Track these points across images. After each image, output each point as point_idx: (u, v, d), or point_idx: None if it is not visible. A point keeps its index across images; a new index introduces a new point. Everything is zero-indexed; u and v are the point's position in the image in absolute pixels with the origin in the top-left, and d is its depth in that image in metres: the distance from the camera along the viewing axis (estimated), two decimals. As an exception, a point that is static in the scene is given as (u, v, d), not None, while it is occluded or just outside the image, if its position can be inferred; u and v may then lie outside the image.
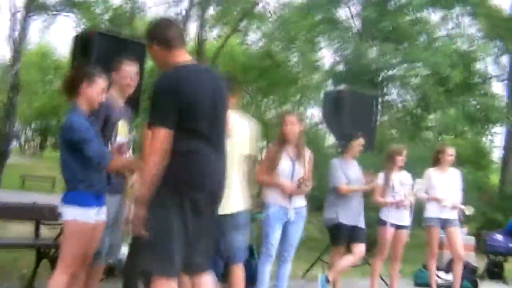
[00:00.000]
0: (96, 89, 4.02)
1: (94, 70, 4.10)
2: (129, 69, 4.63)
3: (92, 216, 3.92)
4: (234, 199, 4.83)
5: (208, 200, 3.51)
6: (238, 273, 5.02)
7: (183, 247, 3.42)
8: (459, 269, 7.36)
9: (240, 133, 4.92)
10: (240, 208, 4.95)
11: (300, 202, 5.89)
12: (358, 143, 6.78)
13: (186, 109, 3.37)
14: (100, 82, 4.05)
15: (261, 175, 5.76)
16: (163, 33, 3.56)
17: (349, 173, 6.62)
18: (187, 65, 3.56)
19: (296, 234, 5.84)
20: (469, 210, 7.36)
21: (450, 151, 7.47)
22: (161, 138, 3.30)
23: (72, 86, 4.01)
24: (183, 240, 3.41)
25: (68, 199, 3.89)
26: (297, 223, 5.81)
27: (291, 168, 5.76)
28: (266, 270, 5.78)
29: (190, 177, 3.42)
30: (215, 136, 3.54)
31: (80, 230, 3.86)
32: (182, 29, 3.76)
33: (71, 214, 3.85)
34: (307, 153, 5.98)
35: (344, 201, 6.56)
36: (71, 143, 3.84)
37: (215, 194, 3.57)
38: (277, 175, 5.71)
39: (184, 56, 3.57)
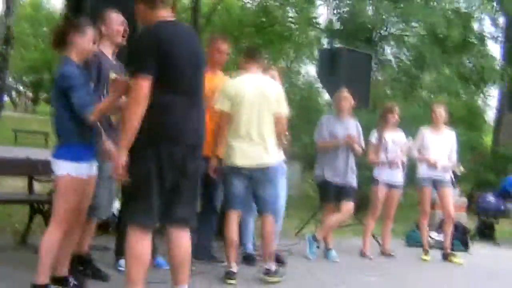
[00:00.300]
0: (86, 39, 3.97)
1: (81, 20, 4.06)
2: (115, 17, 4.56)
3: (85, 170, 3.89)
4: (267, 153, 5.12)
5: (187, 153, 3.61)
6: (268, 223, 5.22)
7: (161, 199, 3.57)
8: (449, 229, 7.41)
9: (271, 93, 5.20)
10: (272, 162, 5.18)
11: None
12: (340, 96, 6.75)
13: (164, 63, 3.48)
14: (89, 31, 4.00)
15: None
16: None
17: (336, 130, 6.60)
18: (168, 21, 3.68)
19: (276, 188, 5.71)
20: (459, 171, 7.37)
21: (436, 108, 7.40)
22: (142, 86, 3.43)
23: (62, 38, 3.95)
24: (160, 191, 3.55)
25: (60, 154, 3.85)
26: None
27: None
28: (248, 225, 6.02)
29: (166, 130, 3.54)
30: (192, 90, 3.67)
31: (73, 185, 3.83)
32: None
33: (64, 168, 3.81)
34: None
35: (329, 158, 6.56)
36: (61, 92, 3.80)
37: (193, 146, 3.68)
38: None
39: (166, 15, 3.69)
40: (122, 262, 4.68)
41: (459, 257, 7.34)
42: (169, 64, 3.52)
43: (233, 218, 5.22)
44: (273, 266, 5.23)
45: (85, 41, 3.97)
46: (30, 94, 63.91)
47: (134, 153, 3.51)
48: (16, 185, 9.00)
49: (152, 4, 3.67)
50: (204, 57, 3.97)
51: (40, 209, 5.63)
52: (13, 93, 60.26)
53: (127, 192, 3.75)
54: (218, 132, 5.21)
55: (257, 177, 5.14)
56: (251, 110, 5.09)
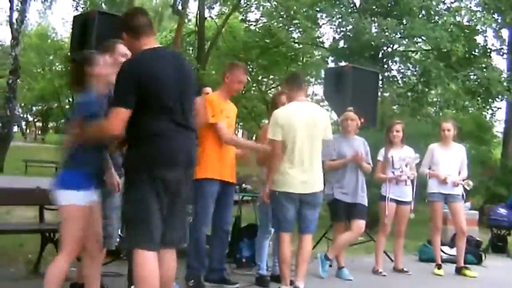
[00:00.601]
0: (100, 66, 4.03)
1: (88, 53, 4.15)
2: (122, 48, 4.59)
3: (88, 198, 3.89)
4: (318, 179, 5.39)
5: (180, 178, 3.72)
6: (309, 242, 5.53)
7: (160, 223, 3.67)
8: (462, 243, 7.38)
9: (320, 120, 5.40)
10: (319, 189, 5.41)
11: None
12: (346, 116, 6.79)
13: (147, 92, 3.59)
14: (99, 58, 4.07)
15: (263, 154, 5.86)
16: (130, 22, 3.79)
17: (343, 149, 6.61)
18: (152, 49, 3.76)
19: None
20: (468, 185, 7.35)
21: (445, 126, 7.44)
22: (117, 117, 3.56)
23: (79, 77, 3.98)
24: (159, 216, 3.66)
25: (62, 183, 3.85)
26: None
27: None
28: (265, 245, 6.12)
29: (160, 158, 3.64)
30: (181, 116, 3.73)
31: (78, 214, 3.82)
32: (150, 18, 3.90)
33: (67, 198, 3.81)
34: None
35: (338, 177, 6.58)
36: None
37: (186, 170, 3.78)
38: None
39: (151, 43, 3.78)
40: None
41: (473, 271, 7.30)
42: (153, 93, 3.61)
43: (287, 239, 5.40)
44: (302, 285, 5.35)
45: (100, 69, 4.03)
46: (39, 124, 64.35)
47: (131, 180, 3.67)
48: (27, 215, 9.03)
49: (135, 34, 3.76)
50: (193, 80, 4.03)
51: (51, 238, 5.64)
52: (23, 123, 60.68)
53: (127, 218, 3.83)
54: (271, 160, 5.41)
55: (308, 201, 5.34)
56: (304, 139, 5.27)
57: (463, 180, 7.32)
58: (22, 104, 57.18)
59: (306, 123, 5.30)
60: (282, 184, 5.31)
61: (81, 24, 5.68)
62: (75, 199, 3.80)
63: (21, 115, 60.92)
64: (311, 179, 5.32)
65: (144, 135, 3.64)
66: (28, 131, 61.79)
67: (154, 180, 3.61)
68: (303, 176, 5.28)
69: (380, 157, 7.16)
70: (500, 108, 21.95)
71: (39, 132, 60.57)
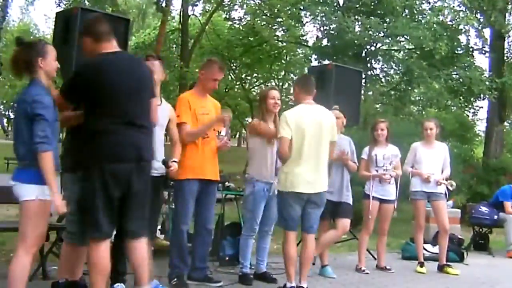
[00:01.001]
0: (50, 60, 4.00)
1: (39, 44, 4.08)
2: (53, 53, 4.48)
3: (47, 192, 3.84)
4: (325, 179, 5.52)
5: (132, 171, 3.97)
6: (313, 242, 5.67)
7: (110, 214, 3.94)
8: (445, 241, 7.44)
9: (327, 122, 5.54)
10: (324, 189, 5.53)
11: None
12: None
13: (95, 93, 3.93)
14: (51, 52, 4.03)
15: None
16: (93, 28, 4.11)
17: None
18: (106, 53, 4.05)
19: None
20: (451, 186, 7.39)
21: (427, 125, 7.48)
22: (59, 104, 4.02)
23: (27, 66, 3.95)
24: (108, 208, 3.92)
25: (27, 177, 3.81)
26: None
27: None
28: (249, 244, 6.10)
29: (106, 152, 3.92)
30: (130, 115, 4.01)
31: (42, 209, 3.81)
32: (109, 26, 4.16)
33: (32, 193, 3.77)
34: None
35: None
36: (31, 116, 3.77)
37: (137, 164, 4.01)
38: None
39: (109, 48, 4.08)
40: (116, 286, 4.78)
41: (455, 268, 7.35)
42: (101, 94, 3.93)
43: (292, 238, 5.52)
44: (305, 284, 5.49)
45: (50, 63, 4.00)
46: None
47: (82, 175, 4.00)
48: (8, 213, 8.96)
49: (98, 38, 4.07)
50: (150, 82, 4.26)
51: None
52: (4, 121, 60.10)
53: (79, 208, 4.16)
54: (281, 156, 5.58)
55: (314, 201, 5.46)
56: (311, 140, 5.38)
57: (446, 180, 7.36)
58: (4, 101, 56.71)
59: (313, 125, 5.43)
60: (290, 183, 5.39)
61: (63, 21, 5.62)
62: (42, 194, 3.77)
63: (3, 112, 60.41)
64: (318, 179, 5.44)
65: (93, 132, 3.94)
66: (9, 128, 61.15)
67: (103, 174, 3.86)
68: (310, 176, 5.39)
69: (364, 155, 7.20)
70: (482, 107, 22.15)
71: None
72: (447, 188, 7.41)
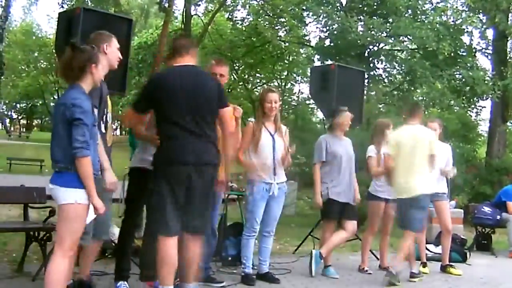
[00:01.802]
0: (101, 68, 3.97)
1: (98, 52, 3.98)
2: (116, 42, 4.54)
3: (86, 197, 3.84)
4: (415, 185, 6.34)
5: (192, 172, 4.35)
6: (411, 241, 6.54)
7: (177, 212, 4.35)
8: (447, 241, 7.43)
9: (424, 139, 6.46)
10: (421, 192, 6.34)
11: (282, 177, 6.11)
12: (346, 117, 6.78)
13: (162, 102, 4.38)
14: (103, 60, 4.02)
15: (242, 154, 5.99)
16: (172, 44, 4.78)
17: (337, 149, 6.63)
18: (175, 66, 4.55)
19: (278, 208, 6.11)
20: (452, 172, 7.38)
21: (430, 125, 7.43)
22: (127, 114, 4.57)
23: (80, 71, 3.85)
24: (174, 207, 4.33)
25: (66, 181, 3.74)
26: (280, 197, 6.07)
27: (272, 141, 6.00)
28: (250, 244, 6.05)
29: (171, 156, 4.36)
30: (193, 123, 4.40)
31: (80, 213, 3.76)
32: (189, 41, 4.89)
33: (72, 197, 3.72)
34: (283, 128, 6.24)
35: (333, 177, 6.58)
36: (70, 120, 3.70)
37: (198, 167, 4.39)
38: (259, 149, 5.99)
39: (180, 62, 4.56)
40: (119, 284, 4.81)
41: (458, 269, 7.34)
42: (164, 103, 4.37)
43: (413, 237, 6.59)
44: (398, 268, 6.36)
45: (100, 71, 3.96)
46: (23, 121, 63.88)
47: (152, 179, 4.44)
48: (11, 213, 8.98)
49: (172, 53, 4.64)
50: (215, 93, 4.59)
51: (36, 236, 5.59)
52: (7, 121, 60.26)
53: (148, 209, 4.69)
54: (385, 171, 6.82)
55: (411, 204, 6.34)
56: (406, 155, 6.41)
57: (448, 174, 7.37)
58: (6, 101, 56.84)
59: (409, 142, 6.42)
60: (398, 191, 6.52)
61: (66, 21, 5.62)
62: (80, 198, 3.73)
63: (5, 113, 60.57)
64: (413, 186, 6.33)
65: (161, 138, 4.44)
66: (12, 128, 61.32)
67: (167, 176, 4.33)
68: (406, 184, 6.38)
69: (372, 153, 7.15)
70: (485, 107, 22.15)
71: (24, 130, 60.12)
72: (448, 186, 7.39)
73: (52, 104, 47.43)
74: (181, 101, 4.37)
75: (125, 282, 4.90)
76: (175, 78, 4.44)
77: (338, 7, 19.76)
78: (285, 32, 23.39)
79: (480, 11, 18.61)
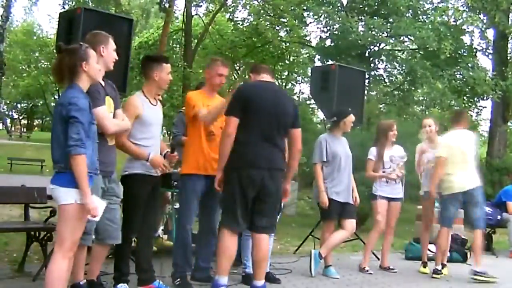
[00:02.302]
0: (94, 65, 3.94)
1: (86, 48, 3.95)
2: (113, 44, 4.53)
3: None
4: (470, 178, 6.93)
5: (264, 175, 4.86)
6: (480, 237, 7.04)
7: (245, 211, 4.89)
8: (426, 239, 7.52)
9: (470, 142, 7.13)
10: (474, 185, 6.93)
11: None
12: (350, 119, 6.78)
13: (246, 110, 4.90)
14: (93, 55, 3.97)
15: None
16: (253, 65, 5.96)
17: (337, 149, 6.63)
18: (259, 82, 5.31)
19: None
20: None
21: (425, 122, 7.46)
22: (231, 124, 4.91)
23: (70, 72, 3.85)
24: (244, 205, 4.87)
25: (66, 181, 3.73)
26: None
27: None
28: (250, 244, 5.93)
29: (244, 159, 4.87)
30: (267, 133, 4.95)
31: (80, 213, 3.75)
32: (266, 66, 5.83)
33: (72, 197, 3.71)
34: None
35: (334, 177, 6.58)
36: (66, 118, 3.70)
37: (269, 171, 4.90)
38: None
39: (264, 77, 5.35)
40: (120, 286, 4.81)
41: (445, 270, 7.32)
42: (250, 111, 4.91)
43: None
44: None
45: (93, 67, 3.94)
46: (24, 121, 63.85)
47: (227, 176, 4.90)
48: (12, 213, 8.98)
49: (253, 71, 5.53)
50: (292, 113, 5.13)
51: (36, 236, 5.59)
52: (7, 121, 60.23)
53: (222, 205, 5.10)
54: (435, 171, 7.05)
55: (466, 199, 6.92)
56: (458, 156, 6.96)
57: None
58: (7, 101, 56.83)
59: (459, 146, 6.99)
60: (448, 188, 6.96)
61: (67, 21, 5.62)
62: (79, 197, 3.71)
63: (6, 113, 60.54)
64: (469, 179, 6.93)
65: (238, 143, 4.89)
66: (13, 128, 61.28)
67: (240, 177, 4.82)
68: (462, 178, 6.90)
69: (371, 156, 7.16)
70: (486, 107, 22.17)
71: (24, 130, 60.08)
72: None
73: (53, 104, 47.40)
74: (262, 112, 4.93)
75: (125, 285, 4.89)
76: (259, 91, 5.07)
77: (339, 7, 19.77)
78: (286, 33, 23.37)
79: (481, 11, 18.60)
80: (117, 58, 4.54)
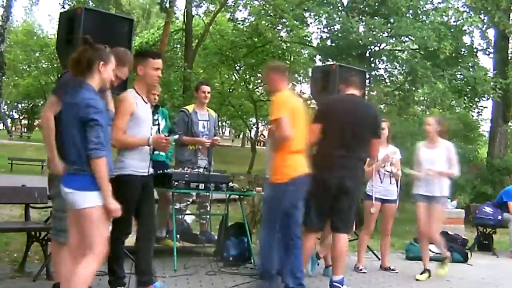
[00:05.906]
0: (109, 70, 3.92)
1: (109, 52, 3.95)
2: (113, 65, 4.45)
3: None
4: None
5: (338, 182, 5.36)
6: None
7: (322, 212, 5.50)
8: (427, 244, 7.25)
9: None
10: None
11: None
12: None
13: (325, 121, 5.47)
14: (113, 62, 3.96)
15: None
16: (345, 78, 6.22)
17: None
18: (345, 95, 5.83)
19: None
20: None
21: (428, 121, 7.28)
22: (314, 131, 5.49)
23: (88, 66, 3.81)
24: (318, 207, 5.48)
25: (85, 184, 3.69)
26: None
27: None
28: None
29: (321, 166, 5.34)
30: (344, 141, 5.42)
31: (102, 214, 3.72)
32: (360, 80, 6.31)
33: (93, 199, 3.68)
34: None
35: None
36: (85, 121, 3.66)
37: (341, 179, 5.38)
38: None
39: (351, 91, 5.78)
40: None
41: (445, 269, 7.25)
42: (328, 122, 5.46)
43: None
44: None
45: (108, 71, 3.92)
46: (24, 121, 63.82)
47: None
48: (12, 213, 8.99)
49: (343, 83, 6.07)
50: (372, 123, 5.68)
51: (37, 236, 5.59)
52: (8, 121, 60.21)
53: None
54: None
55: None
56: None
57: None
58: (8, 101, 56.83)
59: None
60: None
61: (67, 21, 5.60)
62: (100, 200, 3.69)
63: (7, 113, 60.53)
64: None
65: (318, 149, 5.51)
66: (13, 128, 61.25)
67: (317, 183, 5.25)
68: None
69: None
70: (486, 107, 22.14)
71: (25, 130, 60.03)
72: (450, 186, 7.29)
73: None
74: (340, 123, 5.44)
75: None
76: (339, 104, 5.70)
77: (339, 8, 19.74)
78: (286, 33, 23.38)
79: (481, 11, 18.60)
80: (114, 79, 4.35)
